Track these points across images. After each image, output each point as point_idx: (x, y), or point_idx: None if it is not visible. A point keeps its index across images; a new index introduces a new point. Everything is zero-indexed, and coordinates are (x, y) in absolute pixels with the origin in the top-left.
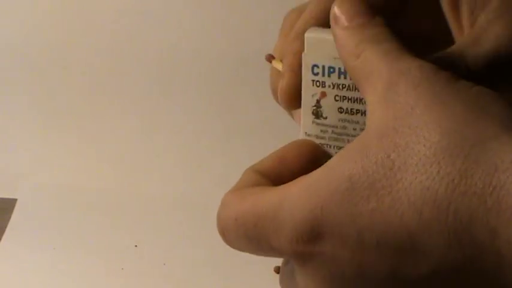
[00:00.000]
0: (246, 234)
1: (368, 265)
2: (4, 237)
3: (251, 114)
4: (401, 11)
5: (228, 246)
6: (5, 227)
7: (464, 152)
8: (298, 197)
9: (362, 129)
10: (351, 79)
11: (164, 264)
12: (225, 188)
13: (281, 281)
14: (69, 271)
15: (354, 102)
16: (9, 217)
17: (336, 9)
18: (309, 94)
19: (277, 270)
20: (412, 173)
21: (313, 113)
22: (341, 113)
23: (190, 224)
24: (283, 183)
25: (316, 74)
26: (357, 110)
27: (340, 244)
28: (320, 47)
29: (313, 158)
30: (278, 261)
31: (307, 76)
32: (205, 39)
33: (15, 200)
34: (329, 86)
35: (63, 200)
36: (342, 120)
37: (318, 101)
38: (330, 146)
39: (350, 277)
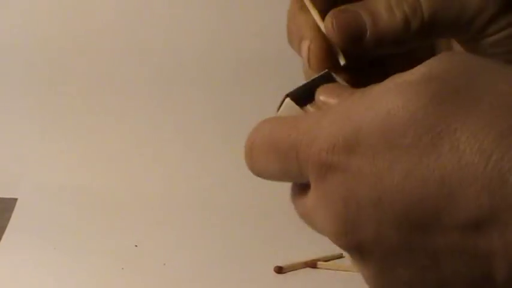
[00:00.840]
0: (276, 148)
1: (388, 196)
2: (4, 236)
3: (251, 114)
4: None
5: (227, 247)
6: (6, 227)
7: None
8: (338, 116)
9: None
10: None
11: (164, 264)
12: (225, 188)
13: (291, 198)
14: (70, 270)
15: None
16: (10, 216)
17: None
18: None
19: (277, 270)
20: (459, 119)
21: None
22: None
23: (190, 224)
24: None
25: None
26: None
27: (369, 167)
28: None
29: None
30: (278, 261)
31: None
32: (205, 40)
33: (16, 199)
34: None
35: (64, 199)
36: None
37: None
38: None
39: (366, 203)
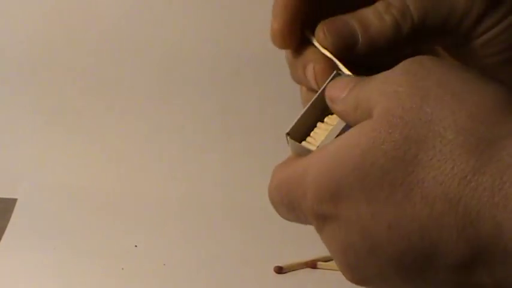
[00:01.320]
0: (283, 201)
1: (378, 245)
2: (4, 237)
3: (251, 114)
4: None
5: (227, 247)
6: (5, 227)
7: (479, 149)
8: (321, 166)
9: None
10: None
11: (164, 264)
12: (225, 188)
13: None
14: (69, 271)
15: None
16: (10, 217)
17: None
18: None
19: (277, 270)
20: (425, 167)
21: None
22: None
23: (190, 224)
24: None
25: None
26: None
27: (355, 218)
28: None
29: None
30: (278, 261)
31: None
32: (205, 40)
33: (15, 199)
34: None
35: (63, 200)
36: None
37: None
38: None
39: (361, 251)
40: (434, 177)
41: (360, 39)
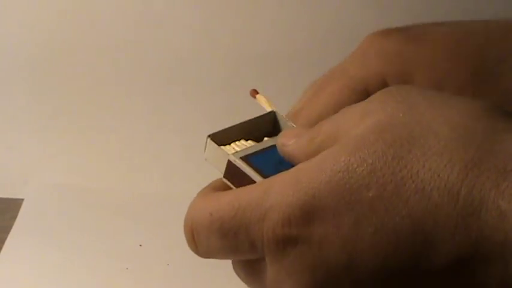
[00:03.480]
0: (221, 229)
1: (359, 255)
2: (10, 236)
3: (251, 114)
4: None
5: None
6: (11, 227)
7: (476, 142)
8: (287, 184)
9: None
10: None
11: (168, 264)
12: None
13: (245, 279)
14: (74, 270)
15: None
16: (16, 217)
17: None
18: None
19: None
20: (419, 161)
21: None
22: None
23: None
24: None
25: None
26: None
27: (333, 231)
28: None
29: None
30: None
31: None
32: (205, 40)
33: (22, 200)
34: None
35: (69, 200)
36: None
37: None
38: None
39: (336, 267)
40: (430, 169)
41: None
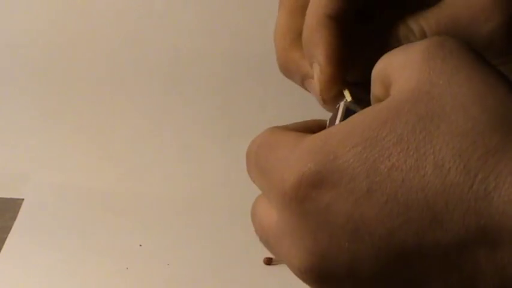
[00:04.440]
0: (259, 166)
1: (365, 224)
2: (10, 236)
3: (251, 114)
4: None
5: (230, 247)
6: (11, 227)
7: (504, 128)
8: (313, 142)
9: None
10: None
11: (168, 264)
12: (229, 188)
13: (254, 212)
14: (74, 270)
15: None
16: (16, 217)
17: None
18: None
19: (267, 261)
20: (445, 138)
21: None
22: None
23: (195, 224)
24: None
25: None
26: None
27: (345, 196)
28: None
29: None
30: (269, 253)
31: None
32: (205, 40)
33: (22, 200)
34: None
35: (69, 200)
36: None
37: None
38: None
39: (339, 234)
40: (453, 148)
41: None
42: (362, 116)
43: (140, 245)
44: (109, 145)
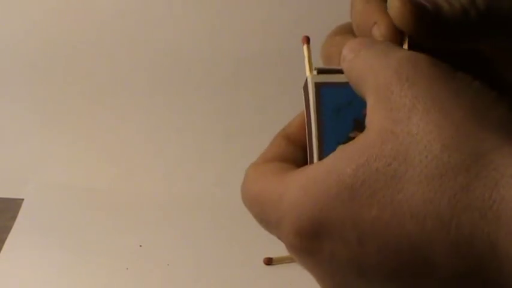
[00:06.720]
0: (257, 215)
1: (368, 267)
2: (10, 236)
3: (251, 114)
4: None
5: (229, 247)
6: (11, 227)
7: (465, 166)
8: (297, 195)
9: None
10: None
11: (168, 264)
12: (229, 188)
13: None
14: (74, 270)
15: None
16: (16, 217)
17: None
18: None
19: (267, 261)
20: (414, 184)
21: None
22: None
23: (195, 224)
24: None
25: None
26: None
27: (340, 245)
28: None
29: None
30: (269, 253)
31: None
32: (205, 40)
33: (22, 200)
34: None
35: (69, 200)
36: None
37: None
38: None
39: (351, 275)
40: (423, 194)
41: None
42: (334, 160)
43: (140, 245)
44: (109, 145)
